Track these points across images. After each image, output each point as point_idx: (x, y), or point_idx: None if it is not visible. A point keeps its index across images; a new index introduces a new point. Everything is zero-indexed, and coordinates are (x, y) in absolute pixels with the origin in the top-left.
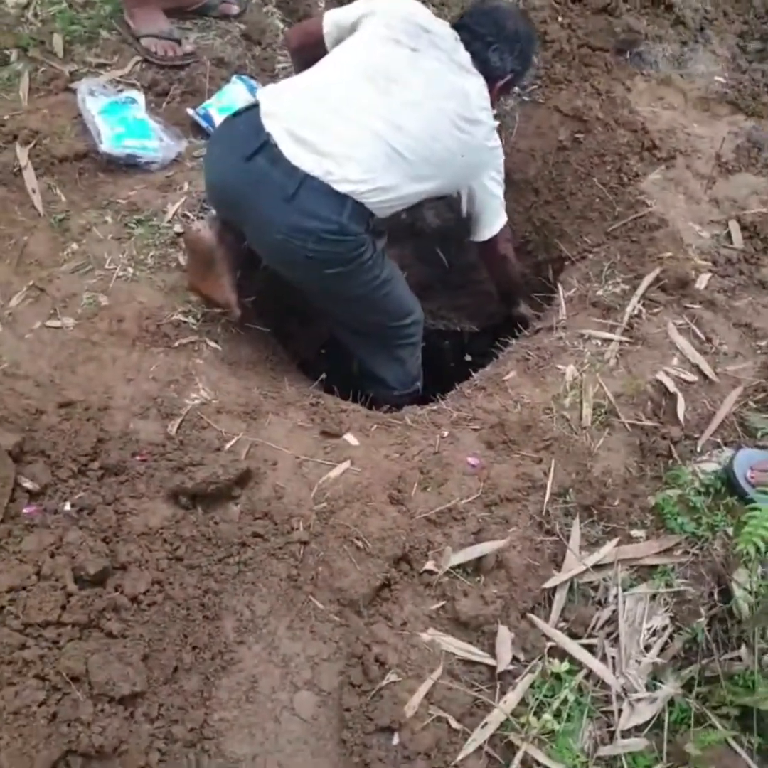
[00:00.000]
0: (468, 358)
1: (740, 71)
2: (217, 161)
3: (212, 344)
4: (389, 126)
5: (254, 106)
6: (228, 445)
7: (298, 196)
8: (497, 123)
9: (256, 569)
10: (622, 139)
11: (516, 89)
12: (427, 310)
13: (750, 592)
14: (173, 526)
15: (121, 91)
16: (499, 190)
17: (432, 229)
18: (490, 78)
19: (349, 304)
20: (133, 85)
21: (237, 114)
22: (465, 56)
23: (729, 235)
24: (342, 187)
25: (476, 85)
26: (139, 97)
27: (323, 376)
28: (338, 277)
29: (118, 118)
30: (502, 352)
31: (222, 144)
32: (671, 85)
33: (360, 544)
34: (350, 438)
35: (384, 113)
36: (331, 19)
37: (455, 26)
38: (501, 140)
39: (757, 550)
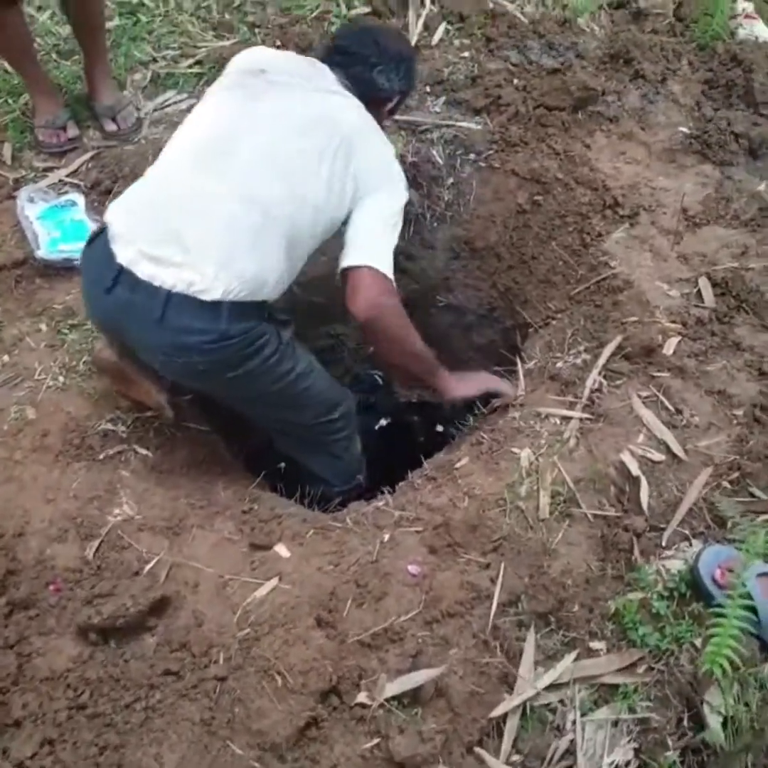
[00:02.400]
0: (439, 428)
1: (705, 120)
2: (85, 295)
3: (142, 451)
4: (243, 202)
5: (105, 229)
6: (147, 568)
7: (167, 316)
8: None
9: (165, 714)
10: (583, 199)
11: (472, 156)
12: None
13: (725, 718)
14: (80, 668)
15: (64, 193)
16: (382, 216)
17: None
18: (377, 100)
19: (267, 405)
20: (77, 186)
21: (92, 239)
22: (330, 80)
23: (699, 293)
24: (210, 296)
25: (347, 106)
26: (79, 199)
27: (263, 473)
28: (243, 379)
29: (55, 222)
30: (459, 433)
31: (85, 277)
32: (633, 139)
33: (280, 679)
34: (281, 549)
35: (233, 190)
36: None
37: (330, 50)
38: (459, 207)
39: (724, 672)
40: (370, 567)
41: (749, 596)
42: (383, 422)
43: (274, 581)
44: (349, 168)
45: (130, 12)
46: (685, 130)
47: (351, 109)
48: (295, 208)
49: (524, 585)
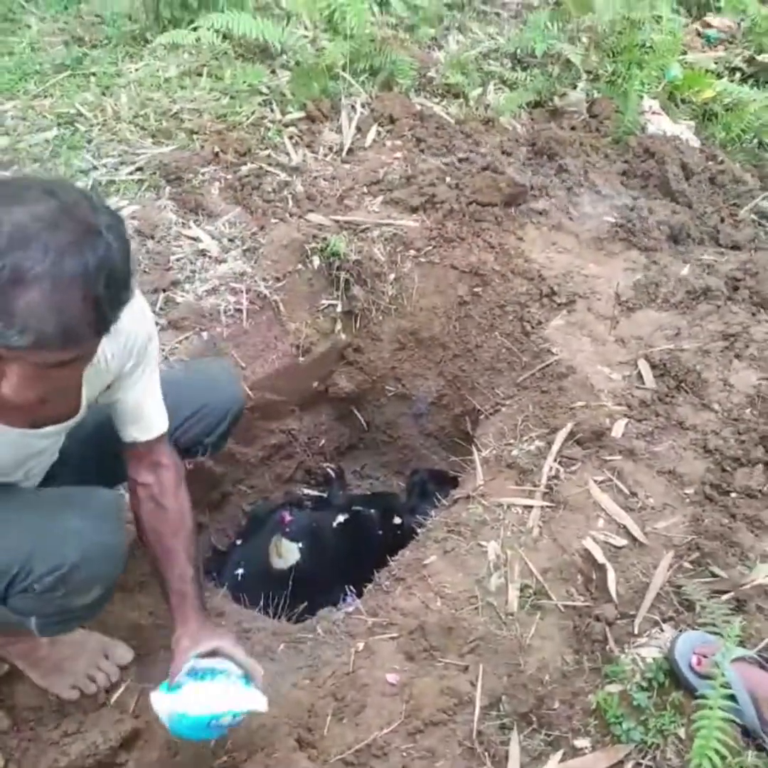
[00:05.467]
0: (397, 520)
1: (628, 209)
2: None
3: None
4: None
5: None
6: (114, 697)
7: None
8: None
9: None
10: (520, 288)
11: (411, 252)
12: (351, 471)
13: None
14: None
15: None
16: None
17: (346, 392)
18: None
19: None
20: None
21: None
22: None
23: (640, 375)
24: None
25: None
26: None
27: (225, 585)
28: None
29: None
30: (422, 528)
31: None
32: (562, 230)
33: None
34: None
35: None
36: None
37: None
38: (403, 301)
39: (713, 765)
40: (347, 679)
41: (728, 684)
42: (341, 519)
43: None
44: None
45: (68, 122)
46: (610, 219)
47: None
48: None
49: (503, 685)
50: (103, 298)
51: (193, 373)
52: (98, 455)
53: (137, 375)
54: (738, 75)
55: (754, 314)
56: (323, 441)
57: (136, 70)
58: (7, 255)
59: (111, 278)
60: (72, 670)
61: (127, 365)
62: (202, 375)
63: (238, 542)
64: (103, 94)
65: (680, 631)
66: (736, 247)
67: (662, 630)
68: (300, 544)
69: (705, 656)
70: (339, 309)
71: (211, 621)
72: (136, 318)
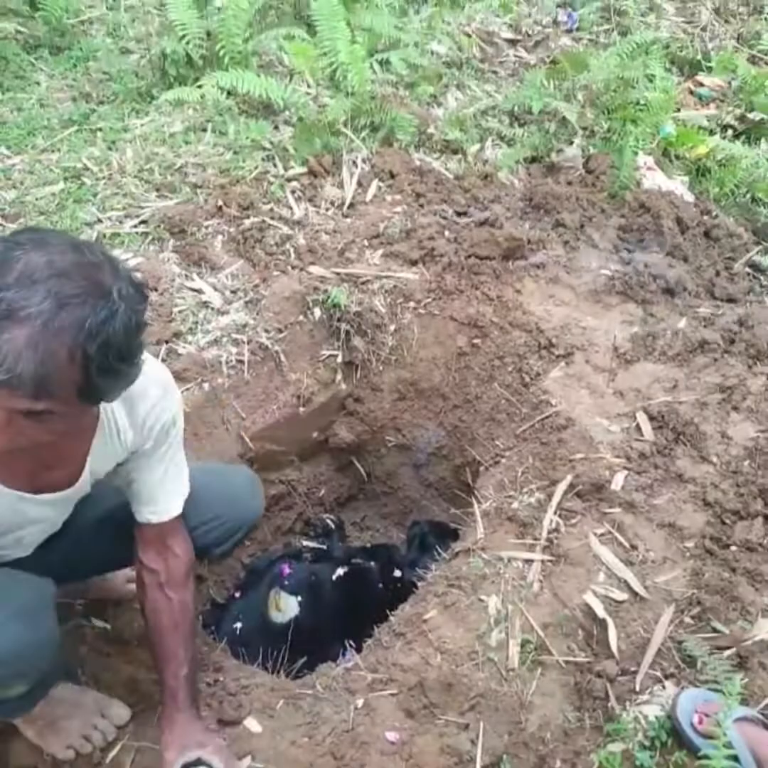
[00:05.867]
0: (397, 573)
1: (624, 262)
2: None
3: (99, 623)
4: None
5: None
6: (110, 756)
7: None
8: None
9: None
10: (519, 340)
11: (411, 304)
12: (351, 522)
13: None
14: None
15: None
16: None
17: (346, 442)
18: None
19: None
20: None
21: None
22: None
23: (638, 427)
24: None
25: None
26: None
27: (224, 639)
28: None
29: None
30: (422, 582)
31: None
32: (560, 283)
33: None
34: (252, 723)
35: None
36: None
37: None
38: (403, 351)
39: None
40: (346, 736)
41: (731, 744)
42: (340, 572)
43: (247, 760)
44: None
45: (75, 176)
46: (606, 272)
47: None
48: None
49: (504, 744)
50: (92, 360)
51: (214, 479)
52: (109, 538)
53: (157, 457)
54: (730, 132)
55: (750, 366)
56: (323, 491)
57: (142, 125)
58: (9, 290)
59: (109, 344)
60: (67, 730)
61: (146, 445)
62: (223, 484)
63: (237, 595)
64: (110, 148)
65: (682, 688)
66: (731, 300)
67: (664, 687)
68: (299, 598)
69: (707, 715)
70: (340, 360)
71: (200, 721)
72: (160, 399)
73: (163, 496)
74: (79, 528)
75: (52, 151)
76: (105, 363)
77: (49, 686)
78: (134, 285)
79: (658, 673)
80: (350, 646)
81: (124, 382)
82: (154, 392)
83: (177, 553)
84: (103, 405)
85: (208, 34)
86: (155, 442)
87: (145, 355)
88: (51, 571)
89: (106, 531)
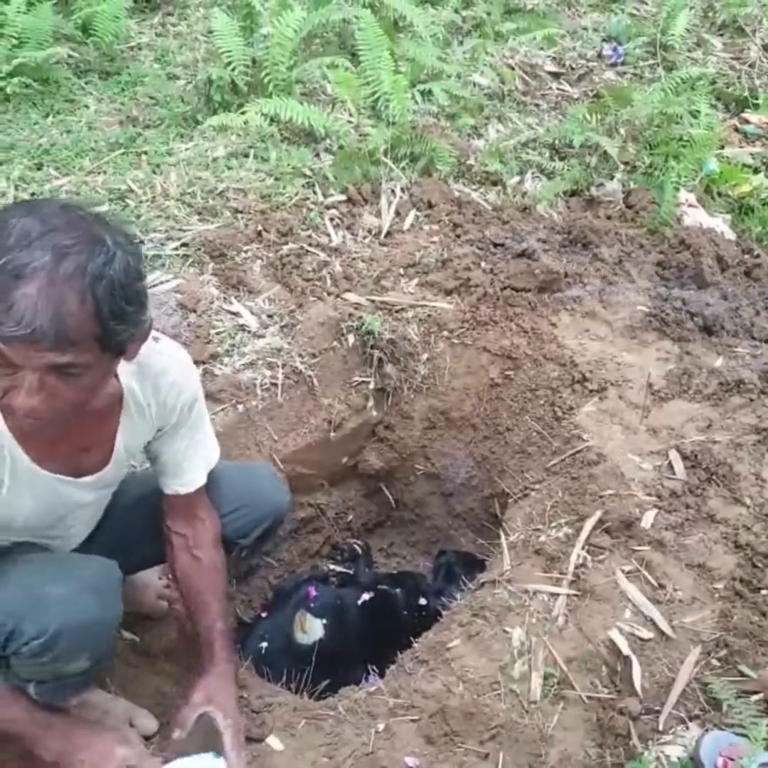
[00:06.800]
0: (422, 601)
1: (661, 299)
2: None
3: (128, 635)
4: None
5: None
6: None
7: None
8: None
9: None
10: (552, 373)
11: (445, 333)
12: (378, 548)
13: None
14: None
15: None
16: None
17: (375, 469)
18: None
19: None
20: None
21: None
22: None
23: (671, 465)
24: None
25: None
26: None
27: (249, 657)
28: None
29: None
30: (444, 609)
31: None
32: (596, 318)
33: None
34: (274, 742)
35: None
36: None
37: None
38: (435, 380)
39: None
40: (366, 760)
41: None
42: (365, 597)
43: None
44: None
45: (119, 197)
46: (643, 308)
47: None
48: None
49: None
50: (103, 304)
51: (236, 472)
52: (147, 525)
53: (182, 434)
54: None
55: None
56: (351, 517)
57: (186, 149)
58: (11, 251)
59: (113, 287)
60: None
61: (171, 421)
62: (246, 476)
63: (263, 615)
64: (154, 172)
65: (706, 730)
66: None
67: (688, 728)
68: (324, 620)
69: (731, 759)
70: (371, 386)
71: (232, 685)
72: (181, 376)
73: (189, 468)
74: (119, 517)
75: (99, 174)
76: (115, 305)
77: (104, 668)
78: (125, 235)
79: (683, 714)
80: (373, 670)
81: (137, 328)
82: (175, 370)
83: (203, 519)
84: (126, 383)
85: (254, 61)
86: (179, 417)
87: (161, 335)
88: None
89: (142, 519)
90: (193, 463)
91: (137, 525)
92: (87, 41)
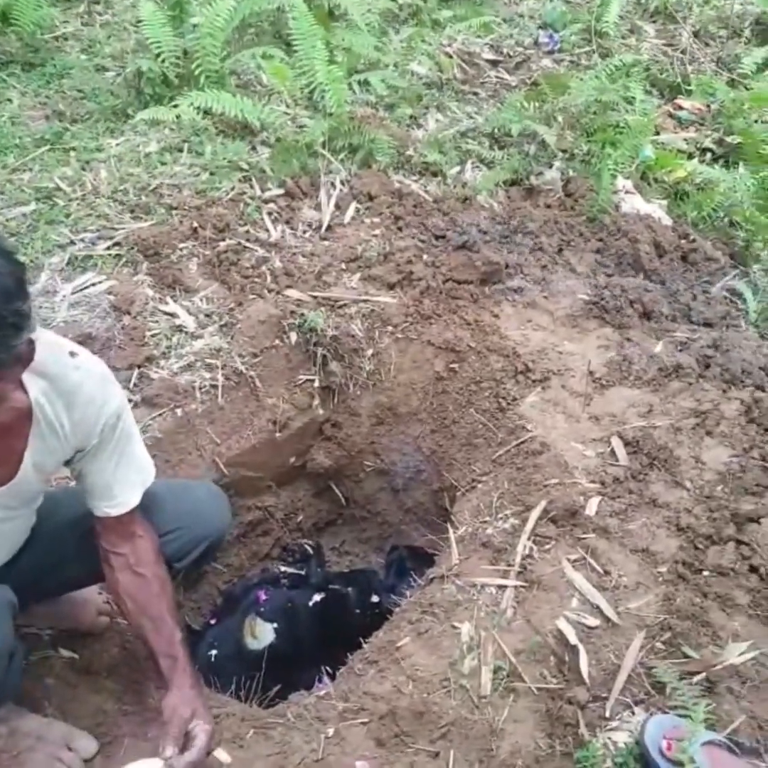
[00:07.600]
0: (375, 599)
1: (601, 287)
2: None
3: (66, 653)
4: None
5: None
6: None
7: None
8: None
9: None
10: (496, 365)
11: (389, 328)
12: (329, 547)
13: None
14: None
15: None
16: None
17: (324, 467)
18: None
19: None
20: None
21: None
22: None
23: (613, 452)
24: None
25: None
26: None
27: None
28: None
29: None
30: (395, 606)
31: None
32: (537, 308)
33: None
34: (221, 754)
35: None
36: None
37: None
38: (381, 376)
39: None
40: (316, 766)
41: None
42: (317, 598)
43: None
44: None
45: (47, 196)
46: (583, 297)
47: None
48: None
49: None
50: None
51: (175, 491)
52: (78, 546)
53: (107, 454)
54: (709, 155)
55: (724, 391)
56: (301, 517)
57: (117, 145)
58: None
59: None
60: (32, 763)
61: (91, 442)
62: (184, 494)
63: (212, 622)
64: (83, 168)
65: (650, 714)
66: (708, 325)
67: (634, 713)
68: (275, 624)
69: (675, 740)
70: (316, 384)
71: (199, 684)
72: (98, 392)
73: (119, 490)
74: (49, 535)
75: (24, 171)
76: None
77: (6, 699)
78: (3, 252)
79: (629, 700)
80: (327, 672)
81: (7, 353)
82: (91, 386)
83: (141, 535)
84: (35, 398)
85: (185, 52)
86: (102, 437)
87: (81, 350)
88: (23, 586)
89: (74, 538)
90: (123, 485)
91: (69, 544)
92: (7, 31)
